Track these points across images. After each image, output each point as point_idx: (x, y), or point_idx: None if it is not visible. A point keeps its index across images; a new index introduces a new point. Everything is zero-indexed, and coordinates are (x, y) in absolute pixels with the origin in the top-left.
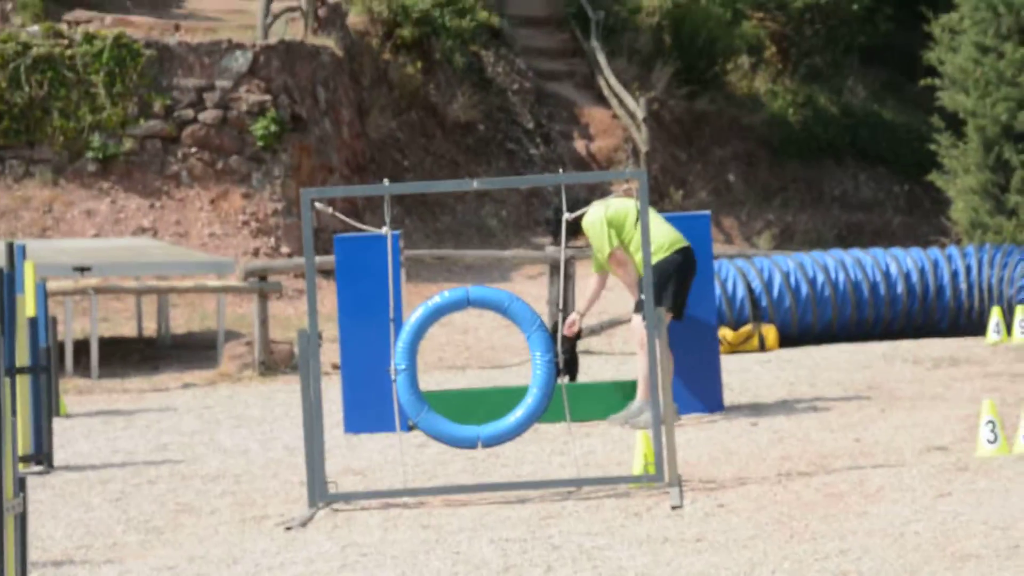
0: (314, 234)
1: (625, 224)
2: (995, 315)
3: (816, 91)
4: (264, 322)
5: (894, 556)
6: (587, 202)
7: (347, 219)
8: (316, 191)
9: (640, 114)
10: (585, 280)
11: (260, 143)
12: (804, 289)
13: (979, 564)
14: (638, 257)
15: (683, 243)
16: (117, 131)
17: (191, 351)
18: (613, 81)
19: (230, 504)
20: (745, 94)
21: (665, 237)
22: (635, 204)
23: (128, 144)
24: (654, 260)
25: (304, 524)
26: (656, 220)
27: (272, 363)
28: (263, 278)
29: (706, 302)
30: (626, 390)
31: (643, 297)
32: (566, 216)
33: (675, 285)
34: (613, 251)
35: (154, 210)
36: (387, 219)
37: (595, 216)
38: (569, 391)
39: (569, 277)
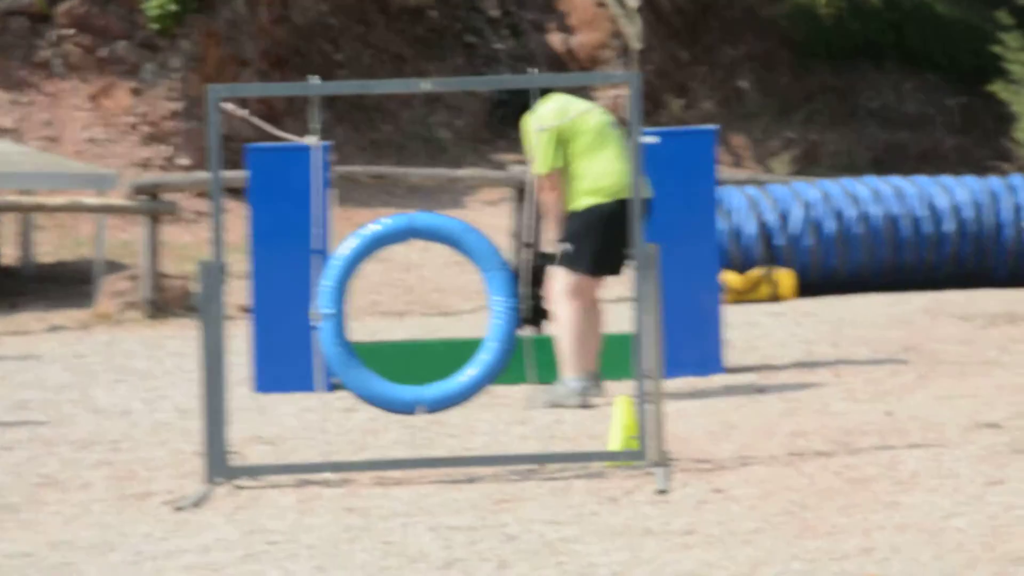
0: (222, 143)
1: (577, 140)
2: None
3: None
4: (154, 251)
5: (930, 557)
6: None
7: (263, 124)
8: (225, 88)
9: (632, 2)
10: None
11: (154, 26)
12: (829, 225)
13: None
14: (582, 185)
15: (623, 195)
16: None
17: (61, 285)
18: None
19: (106, 477)
20: None
21: (611, 178)
22: (606, 116)
23: None
24: (585, 204)
25: (198, 503)
26: (612, 151)
27: (163, 303)
28: (154, 196)
29: (705, 239)
30: (608, 345)
31: (563, 245)
32: (538, 128)
33: (597, 242)
34: (550, 172)
35: (18, 107)
36: (313, 126)
37: (544, 120)
38: (535, 346)
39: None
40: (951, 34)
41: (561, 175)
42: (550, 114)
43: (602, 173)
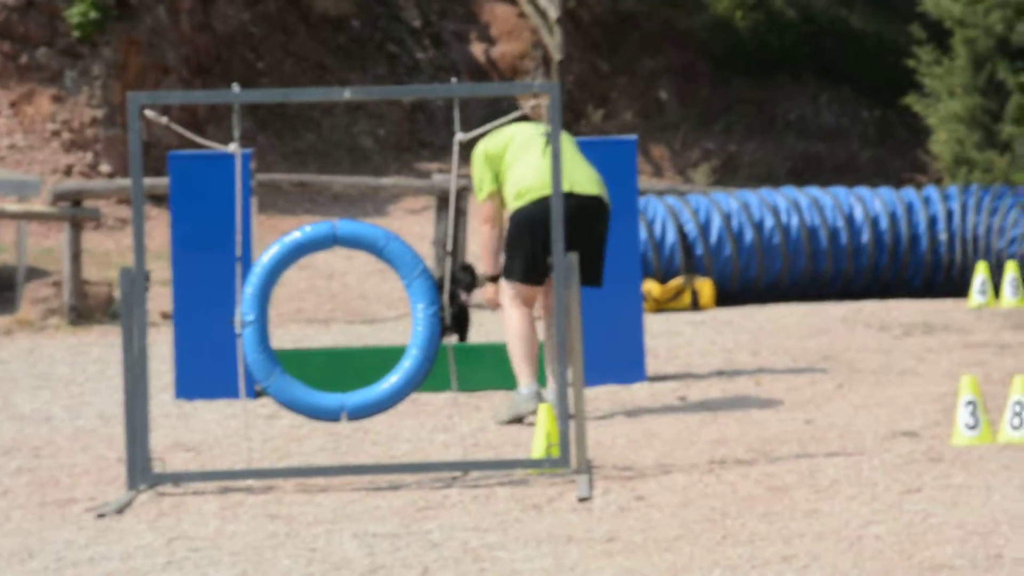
0: (143, 150)
1: (504, 158)
2: (980, 272)
3: None
4: (76, 258)
5: (849, 565)
6: (486, 120)
7: (185, 132)
8: (147, 96)
9: (553, 13)
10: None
11: (76, 33)
12: (748, 235)
13: None
14: (507, 192)
15: (545, 192)
16: None
17: None
18: None
19: (27, 484)
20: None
21: (529, 180)
22: (536, 129)
23: None
24: (511, 209)
25: (121, 510)
26: (533, 155)
27: (85, 309)
28: (77, 203)
29: (627, 249)
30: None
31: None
32: (459, 137)
33: (525, 249)
34: (488, 197)
35: None
36: (235, 134)
37: (479, 147)
38: (457, 353)
39: (461, 212)
40: (866, 48)
41: (497, 203)
42: (483, 143)
43: (521, 176)
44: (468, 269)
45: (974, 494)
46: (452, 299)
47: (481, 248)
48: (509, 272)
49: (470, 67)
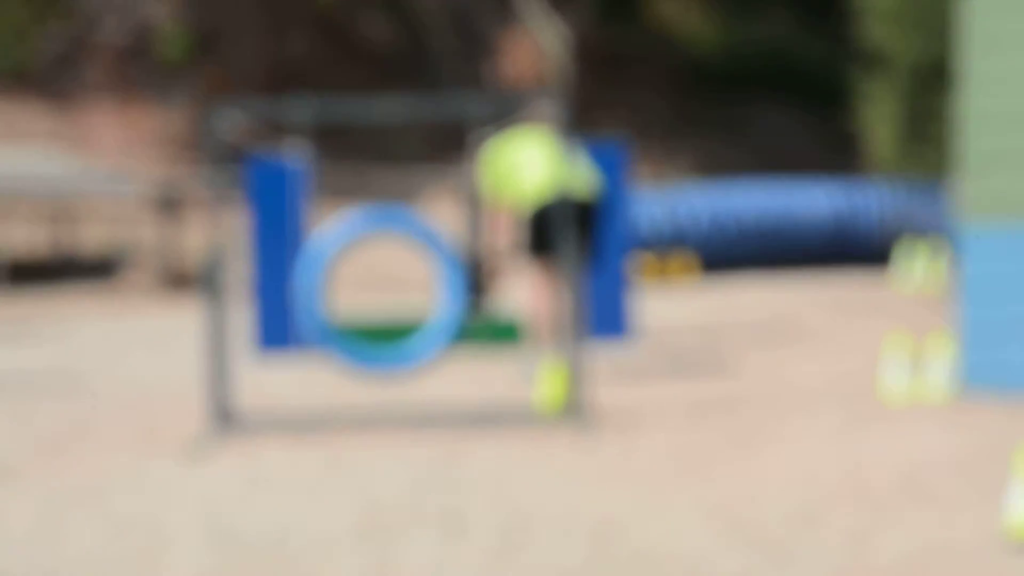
0: (224, 153)
1: (510, 161)
2: (911, 256)
3: (734, 23)
4: (170, 241)
5: (805, 497)
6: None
7: (258, 137)
8: (227, 107)
9: (556, 41)
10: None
11: (172, 54)
12: (723, 220)
13: (887, 505)
14: (525, 204)
15: (548, 193)
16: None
17: (92, 270)
18: (533, 5)
19: (128, 429)
20: (664, 27)
21: (535, 184)
22: (542, 134)
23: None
24: (523, 209)
25: (207, 452)
26: (537, 163)
27: (178, 284)
28: (171, 195)
29: (620, 231)
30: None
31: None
32: (477, 137)
33: (533, 238)
34: (493, 197)
35: (59, 118)
36: (299, 140)
37: (487, 153)
38: (481, 320)
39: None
40: (814, 67)
41: (503, 198)
42: (494, 149)
43: (528, 180)
44: (487, 254)
45: (906, 439)
46: (476, 278)
47: (492, 233)
48: (528, 255)
49: (489, 87)
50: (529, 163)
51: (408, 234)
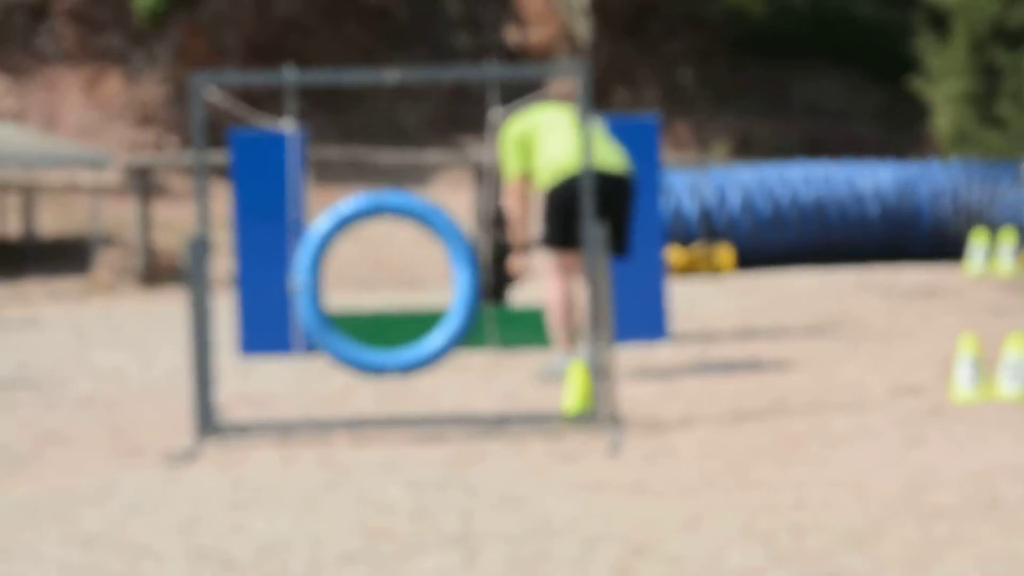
0: (205, 127)
1: (534, 139)
2: (978, 240)
3: None
4: (146, 226)
5: (858, 510)
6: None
7: (245, 110)
8: (208, 76)
9: (581, 2)
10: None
11: (144, 18)
12: (764, 206)
13: (953, 520)
14: (540, 173)
15: (575, 170)
16: None
17: (60, 257)
18: None
19: (104, 433)
20: None
21: (559, 161)
22: (565, 110)
23: None
24: (544, 188)
25: (189, 457)
26: (561, 136)
27: (154, 273)
28: (145, 176)
29: (650, 217)
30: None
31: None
32: (495, 114)
33: (558, 221)
34: (515, 179)
35: (19, 91)
36: (289, 114)
37: (509, 128)
38: (497, 315)
39: (499, 184)
40: (872, 33)
41: (526, 181)
42: (513, 125)
43: (553, 156)
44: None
45: (972, 444)
46: (495, 265)
47: (509, 222)
48: (548, 242)
49: (504, 52)
50: (553, 140)
51: (415, 219)
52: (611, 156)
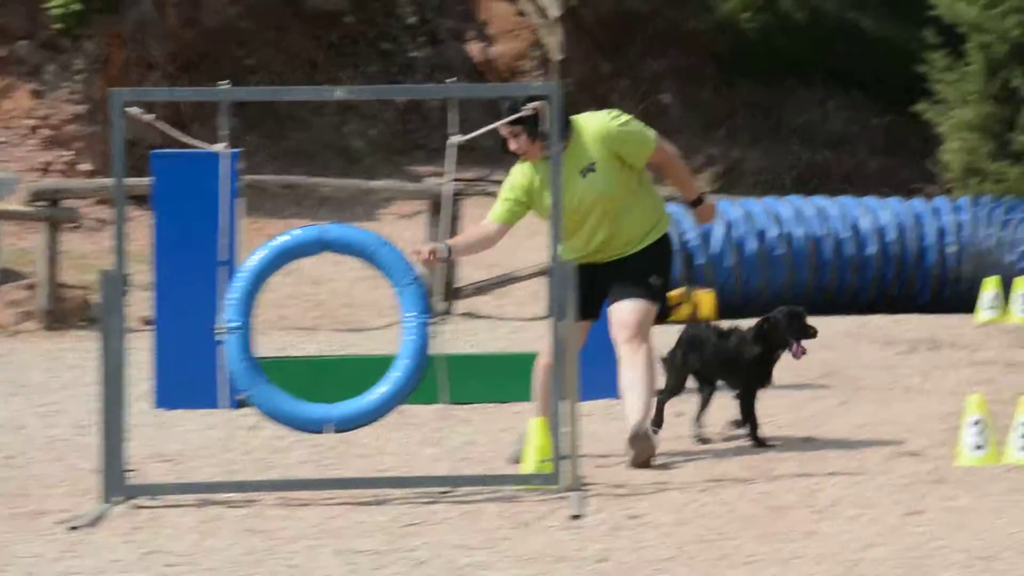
0: (126, 148)
1: (543, 196)
2: (990, 287)
3: None
4: (53, 260)
5: None
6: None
7: (170, 130)
8: (130, 92)
9: (554, 11)
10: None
11: (57, 25)
12: (751, 245)
13: None
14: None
15: (579, 258)
16: None
17: None
18: None
19: None
20: None
21: (569, 240)
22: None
23: None
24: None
25: (94, 523)
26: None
27: (61, 313)
28: (55, 203)
29: None
30: (519, 364)
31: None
32: (454, 139)
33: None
34: (495, 219)
35: None
36: (222, 134)
37: (516, 171)
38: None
39: (456, 218)
40: (877, 52)
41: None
42: (523, 172)
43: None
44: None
45: (979, 517)
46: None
47: (476, 234)
48: (657, 296)
49: (466, 67)
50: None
51: (361, 255)
52: (620, 240)
